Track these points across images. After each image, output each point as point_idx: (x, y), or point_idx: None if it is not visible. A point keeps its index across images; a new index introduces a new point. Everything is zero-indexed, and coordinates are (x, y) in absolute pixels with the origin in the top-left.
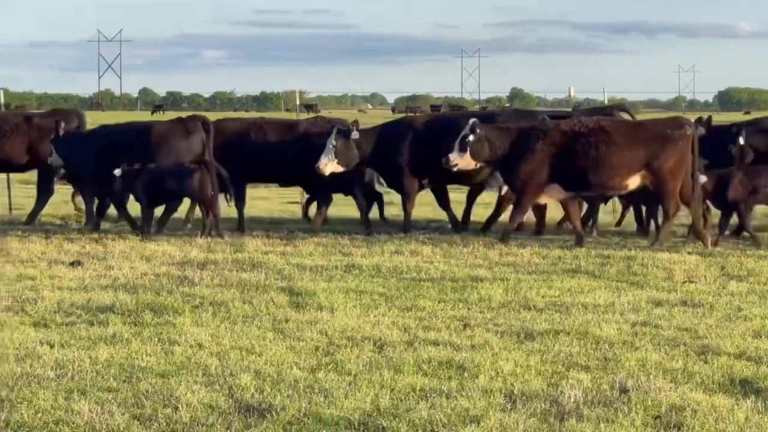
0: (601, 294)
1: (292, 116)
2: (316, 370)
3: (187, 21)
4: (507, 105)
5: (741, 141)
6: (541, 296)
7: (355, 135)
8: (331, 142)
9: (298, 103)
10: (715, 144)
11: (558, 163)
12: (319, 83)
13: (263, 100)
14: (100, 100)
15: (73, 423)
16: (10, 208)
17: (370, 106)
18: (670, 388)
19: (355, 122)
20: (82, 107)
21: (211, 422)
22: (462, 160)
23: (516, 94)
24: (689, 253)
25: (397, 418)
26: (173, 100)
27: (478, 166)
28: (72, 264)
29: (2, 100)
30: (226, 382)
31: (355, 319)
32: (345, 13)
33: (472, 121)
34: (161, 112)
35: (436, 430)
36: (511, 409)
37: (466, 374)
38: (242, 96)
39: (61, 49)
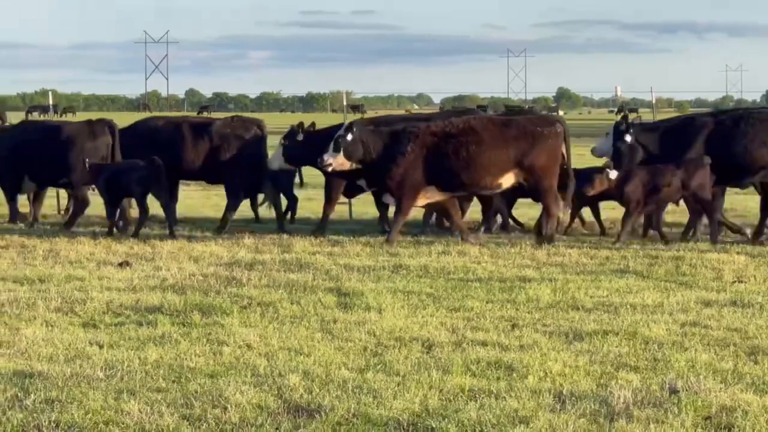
0: (650, 294)
1: (339, 117)
2: (365, 371)
3: (234, 22)
4: (554, 105)
5: (628, 139)
6: (589, 296)
7: (299, 137)
8: (281, 141)
9: (345, 103)
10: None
11: (430, 164)
12: (366, 84)
13: (309, 101)
14: (147, 101)
15: (123, 423)
16: (59, 210)
17: (416, 107)
18: (720, 388)
19: (301, 125)
20: (130, 108)
21: (260, 423)
22: (335, 161)
23: (562, 93)
24: (738, 253)
25: (446, 419)
26: (219, 101)
27: (353, 166)
28: (120, 265)
29: (51, 102)
30: (274, 383)
31: (403, 319)
32: (392, 14)
33: (348, 122)
34: (207, 112)
35: (485, 430)
36: (560, 410)
37: (514, 375)
38: (288, 97)
39: (108, 51)
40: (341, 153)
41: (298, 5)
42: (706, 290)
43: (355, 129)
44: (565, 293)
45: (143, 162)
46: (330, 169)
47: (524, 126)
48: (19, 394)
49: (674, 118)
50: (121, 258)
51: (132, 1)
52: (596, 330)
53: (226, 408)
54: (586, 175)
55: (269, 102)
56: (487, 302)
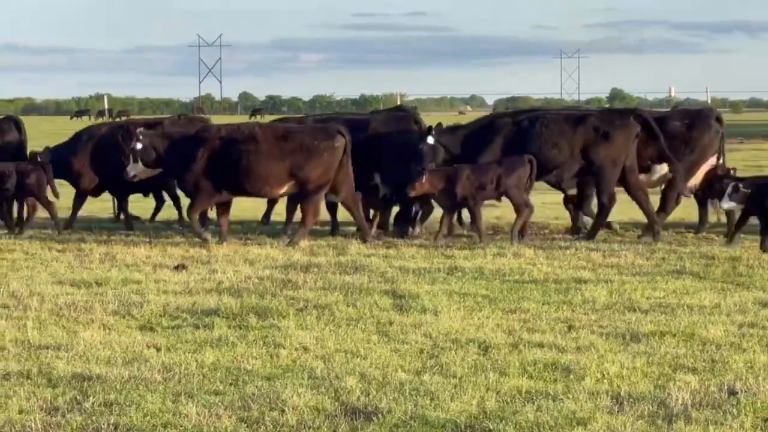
0: (707, 295)
1: None
2: (422, 373)
3: (286, 25)
4: (607, 105)
5: (430, 140)
6: (645, 298)
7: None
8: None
9: (399, 105)
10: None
11: (217, 167)
12: (419, 85)
13: (363, 103)
14: (201, 105)
15: (181, 426)
16: (114, 214)
17: (469, 108)
18: None
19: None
20: (184, 111)
21: (317, 425)
22: (137, 170)
23: (616, 94)
24: None
25: (503, 421)
26: (273, 104)
27: (154, 171)
28: (176, 268)
29: (106, 106)
30: (331, 385)
31: (459, 321)
32: (444, 15)
33: (138, 130)
34: (260, 115)
35: None
36: (618, 412)
37: (571, 376)
38: (342, 99)
39: (162, 55)
40: (139, 162)
41: (351, 8)
42: (764, 291)
43: (142, 137)
44: (622, 294)
45: (25, 163)
46: (136, 179)
47: (302, 138)
48: (78, 397)
49: (476, 120)
50: (177, 261)
51: (185, 5)
52: (653, 331)
53: (283, 410)
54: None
55: (322, 104)
56: (543, 304)
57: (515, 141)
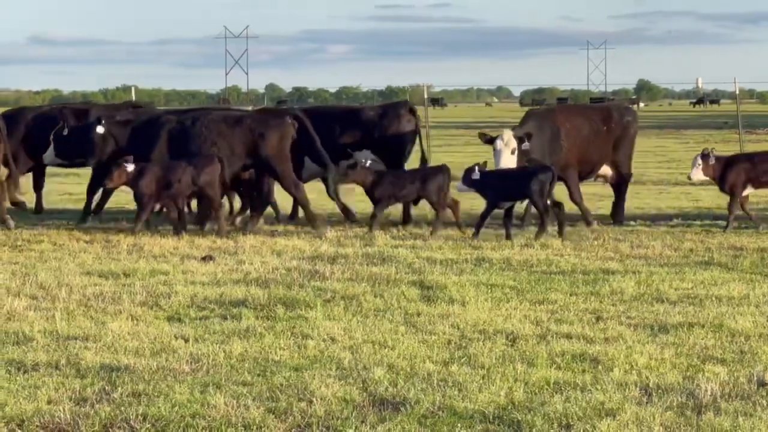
0: (735, 286)
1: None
2: (449, 364)
3: (313, 17)
4: (634, 97)
5: (100, 130)
6: (674, 289)
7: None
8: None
9: (425, 97)
10: None
11: None
12: (445, 77)
13: (389, 95)
14: (228, 96)
15: (210, 416)
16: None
17: (496, 100)
18: None
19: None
20: (210, 103)
21: (345, 416)
22: None
23: (643, 85)
24: None
25: (531, 412)
26: (299, 95)
27: None
28: (204, 259)
29: (133, 97)
30: (359, 376)
31: (487, 312)
32: (470, 7)
33: None
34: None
35: (571, 423)
36: (647, 403)
37: (600, 367)
38: (368, 90)
39: (189, 47)
40: None
41: None
42: None
43: None
44: (650, 285)
45: None
46: None
47: None
48: (106, 388)
49: (146, 114)
50: (205, 252)
51: None
52: (681, 322)
53: (311, 401)
54: (106, 168)
55: (349, 96)
56: (570, 295)
57: (178, 139)
